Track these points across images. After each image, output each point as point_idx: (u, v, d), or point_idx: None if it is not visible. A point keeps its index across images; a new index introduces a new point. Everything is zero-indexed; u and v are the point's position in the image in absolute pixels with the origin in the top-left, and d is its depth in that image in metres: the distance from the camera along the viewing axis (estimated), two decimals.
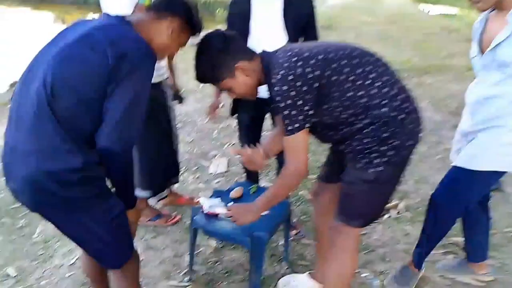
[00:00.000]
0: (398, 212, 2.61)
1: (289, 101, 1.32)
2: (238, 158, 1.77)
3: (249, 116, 2.25)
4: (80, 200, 1.24)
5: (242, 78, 1.46)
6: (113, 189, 1.35)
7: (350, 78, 1.35)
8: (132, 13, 1.80)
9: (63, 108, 1.17)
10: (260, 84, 1.50)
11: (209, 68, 1.44)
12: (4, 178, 1.29)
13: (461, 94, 1.96)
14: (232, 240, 1.99)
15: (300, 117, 1.34)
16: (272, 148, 1.70)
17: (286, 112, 1.34)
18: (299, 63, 1.33)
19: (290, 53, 1.37)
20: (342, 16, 10.81)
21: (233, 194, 1.99)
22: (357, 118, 1.37)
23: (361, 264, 2.13)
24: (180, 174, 2.64)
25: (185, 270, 2.11)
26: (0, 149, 1.31)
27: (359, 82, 1.35)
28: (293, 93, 1.32)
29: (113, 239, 1.36)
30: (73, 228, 1.32)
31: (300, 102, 1.33)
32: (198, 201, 1.93)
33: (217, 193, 2.03)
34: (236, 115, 2.30)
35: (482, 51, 1.64)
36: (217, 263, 2.18)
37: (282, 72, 1.33)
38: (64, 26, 1.34)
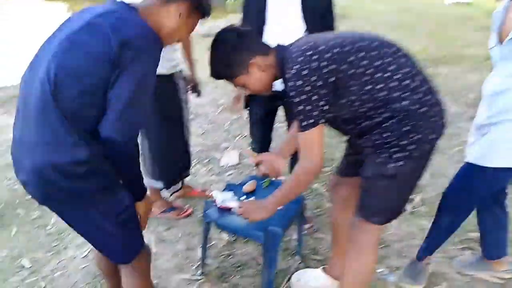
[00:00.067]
0: (414, 206, 2.56)
1: (303, 96, 1.29)
2: (258, 167, 1.74)
3: (262, 109, 2.21)
4: (87, 193, 1.22)
5: (257, 74, 1.43)
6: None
7: (368, 71, 1.30)
8: None
9: (67, 98, 1.14)
10: (276, 79, 1.48)
11: (224, 65, 1.42)
12: (14, 170, 1.27)
13: (478, 85, 1.90)
14: (246, 235, 1.97)
15: (315, 113, 1.31)
16: (289, 148, 1.68)
17: (300, 108, 1.31)
18: (314, 57, 1.29)
19: (305, 46, 1.33)
20: (355, 5, 10.63)
21: (246, 188, 1.96)
22: (376, 112, 1.32)
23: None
24: (192, 166, 2.63)
25: (198, 264, 2.10)
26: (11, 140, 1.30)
27: (377, 75, 1.30)
28: (307, 88, 1.28)
29: (121, 233, 1.33)
30: (80, 221, 1.30)
31: (315, 97, 1.29)
32: (211, 195, 1.91)
33: (229, 187, 2.01)
34: (249, 108, 2.26)
35: (500, 41, 1.59)
36: (230, 257, 2.17)
37: (296, 66, 1.30)
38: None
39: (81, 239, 2.28)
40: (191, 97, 2.53)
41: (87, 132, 1.18)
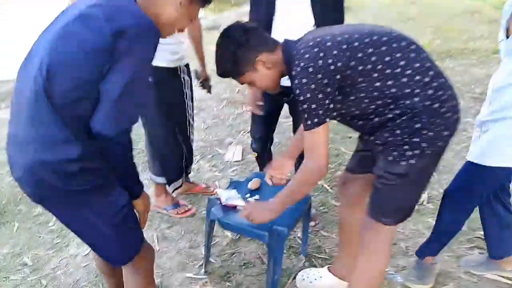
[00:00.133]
0: (420, 204, 2.52)
1: (308, 95, 1.26)
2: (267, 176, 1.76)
3: (266, 106, 2.16)
4: (80, 192, 1.17)
5: (263, 71, 1.41)
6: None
7: (377, 67, 1.26)
8: None
9: (60, 93, 1.10)
10: (283, 75, 1.45)
11: (230, 62, 1.40)
12: (9, 167, 1.23)
13: (485, 79, 1.86)
14: (250, 235, 1.93)
15: (320, 111, 1.27)
16: (298, 147, 1.65)
17: (305, 106, 1.27)
18: (321, 54, 1.25)
19: (311, 43, 1.29)
20: None
21: (251, 185, 1.92)
22: (386, 108, 1.28)
23: None
24: (195, 162, 2.60)
25: (201, 262, 2.07)
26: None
27: (387, 71, 1.26)
28: (313, 86, 1.25)
29: (117, 234, 1.28)
30: (75, 222, 1.26)
31: (321, 95, 1.26)
32: (215, 192, 1.88)
33: (234, 184, 1.97)
34: None
35: (507, 36, 1.55)
36: (233, 255, 2.14)
37: (302, 64, 1.26)
38: None
39: None
40: (197, 92, 2.47)
41: (81, 129, 1.13)
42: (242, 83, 1.49)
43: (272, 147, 2.40)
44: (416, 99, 1.25)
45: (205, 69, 2.46)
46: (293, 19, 1.89)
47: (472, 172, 1.68)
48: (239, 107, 4.06)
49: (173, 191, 2.49)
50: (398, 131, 1.29)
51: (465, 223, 1.85)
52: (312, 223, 2.29)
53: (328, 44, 1.27)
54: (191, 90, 2.36)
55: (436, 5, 9.54)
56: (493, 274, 1.94)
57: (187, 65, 2.29)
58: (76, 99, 1.10)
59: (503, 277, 1.93)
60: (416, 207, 2.43)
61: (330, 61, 1.25)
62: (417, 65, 1.27)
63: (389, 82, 1.26)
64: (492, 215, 1.85)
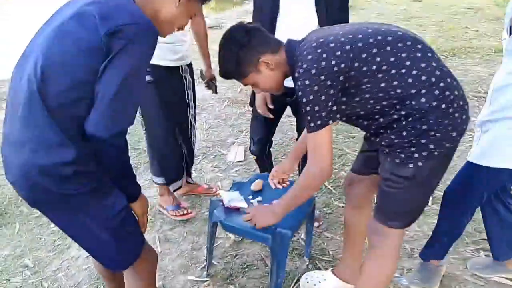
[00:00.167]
0: None
1: (311, 97, 1.23)
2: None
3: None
4: (76, 196, 1.14)
5: (266, 73, 1.39)
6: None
7: (382, 68, 1.23)
8: None
9: (55, 94, 1.07)
10: (286, 76, 1.43)
11: (233, 63, 1.38)
12: (4, 169, 1.20)
13: (489, 78, 1.84)
14: (253, 237, 1.91)
15: (323, 114, 1.25)
16: (302, 149, 1.64)
17: (308, 108, 1.25)
18: (324, 56, 1.23)
19: (314, 44, 1.27)
20: None
21: (254, 186, 1.90)
22: (392, 109, 1.26)
23: None
24: (197, 162, 2.57)
25: (204, 264, 2.05)
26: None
27: (392, 72, 1.23)
28: (316, 88, 1.22)
29: (115, 239, 1.25)
30: (71, 226, 1.24)
31: (323, 97, 1.23)
32: (217, 193, 1.85)
33: (236, 185, 1.95)
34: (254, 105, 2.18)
35: (510, 34, 1.53)
36: (236, 257, 2.11)
37: (305, 65, 1.24)
38: None
39: None
40: (199, 92, 2.45)
41: (75, 130, 1.10)
42: (245, 85, 1.47)
43: (272, 149, 2.37)
44: (423, 99, 1.23)
45: (210, 68, 2.42)
46: (297, 19, 1.87)
47: (472, 173, 1.66)
48: (242, 107, 4.03)
49: (173, 191, 2.46)
50: (404, 133, 1.26)
51: (470, 225, 1.82)
52: (316, 224, 2.27)
53: (331, 45, 1.25)
54: (193, 90, 2.33)
55: (440, 4, 9.48)
56: (500, 277, 1.92)
57: (189, 65, 2.26)
58: (71, 100, 1.08)
59: (510, 279, 1.90)
60: None
61: (333, 62, 1.22)
62: (423, 65, 1.24)
63: (395, 83, 1.23)
64: (493, 215, 1.83)
